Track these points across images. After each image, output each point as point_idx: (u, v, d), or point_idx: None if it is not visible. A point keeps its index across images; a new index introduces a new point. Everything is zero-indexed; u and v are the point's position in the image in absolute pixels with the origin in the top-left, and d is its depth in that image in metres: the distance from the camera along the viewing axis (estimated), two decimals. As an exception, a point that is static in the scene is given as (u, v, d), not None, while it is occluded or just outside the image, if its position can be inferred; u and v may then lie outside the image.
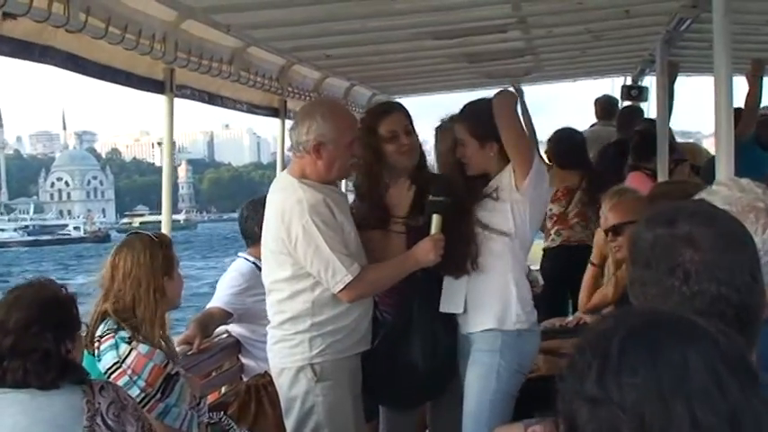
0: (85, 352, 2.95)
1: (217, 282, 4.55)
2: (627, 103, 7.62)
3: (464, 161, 3.42)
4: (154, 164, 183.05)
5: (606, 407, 0.99)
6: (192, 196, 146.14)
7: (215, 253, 49.59)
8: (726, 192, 1.83)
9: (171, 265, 3.23)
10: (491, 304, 3.33)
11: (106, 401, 2.47)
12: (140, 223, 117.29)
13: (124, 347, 3.05)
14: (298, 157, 3.33)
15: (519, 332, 3.32)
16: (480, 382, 3.33)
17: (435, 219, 3.33)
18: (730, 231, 1.44)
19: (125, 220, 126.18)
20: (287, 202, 3.26)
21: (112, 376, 3.00)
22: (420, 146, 3.64)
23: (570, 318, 4.61)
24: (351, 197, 3.66)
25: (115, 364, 3.03)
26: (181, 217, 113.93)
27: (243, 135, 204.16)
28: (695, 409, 0.97)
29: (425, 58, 6.15)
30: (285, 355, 3.35)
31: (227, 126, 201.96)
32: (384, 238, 3.48)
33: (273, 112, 5.87)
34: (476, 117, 3.40)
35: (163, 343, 3.18)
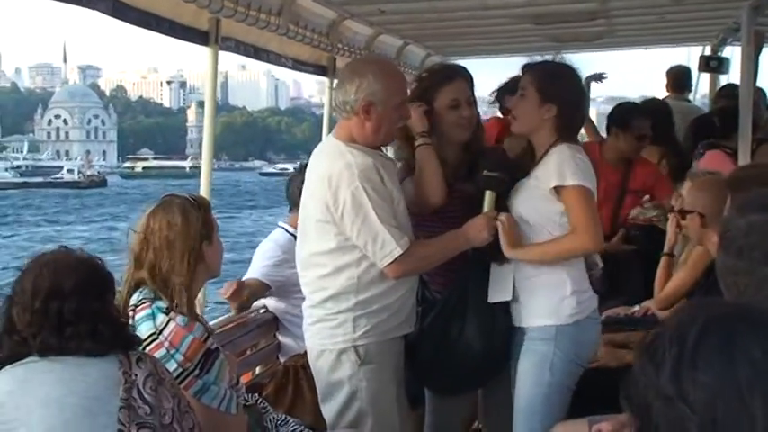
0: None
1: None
2: (704, 75, 7.68)
3: (514, 113, 3.49)
4: (162, 104, 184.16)
5: (678, 405, 1.02)
6: (201, 141, 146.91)
7: (227, 210, 49.18)
8: None
9: (211, 229, 3.25)
10: (544, 295, 3.40)
11: (143, 373, 2.50)
12: (143, 168, 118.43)
13: (162, 318, 3.06)
14: (344, 118, 3.38)
15: (577, 322, 3.38)
16: (534, 372, 3.39)
17: (489, 195, 3.41)
18: None
19: (127, 164, 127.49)
20: (335, 167, 3.30)
21: (148, 348, 3.00)
22: (478, 117, 3.71)
23: (637, 307, 4.76)
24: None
25: (152, 335, 3.04)
26: (186, 164, 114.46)
27: (260, 77, 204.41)
28: None
29: (487, 18, 6.22)
30: (326, 336, 3.40)
31: (243, 67, 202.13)
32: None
33: (321, 69, 6.02)
34: (549, 73, 3.49)
35: (200, 315, 3.28)
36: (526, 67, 3.53)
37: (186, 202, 3.21)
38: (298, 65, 5.71)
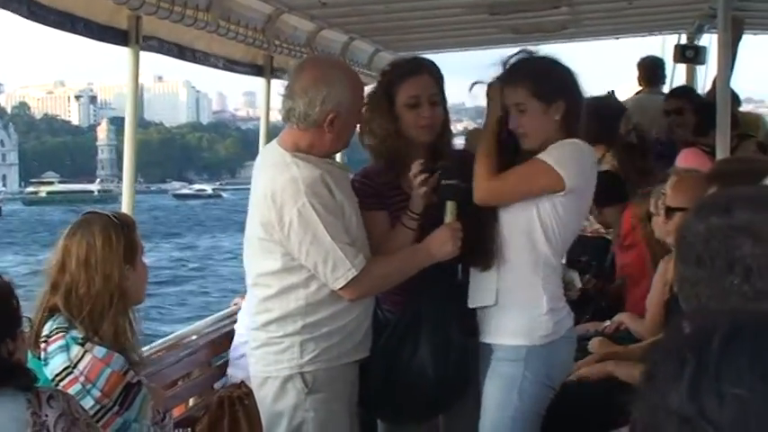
0: (29, 354, 2.96)
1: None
2: (680, 65, 7.90)
3: (520, 132, 3.51)
4: (69, 122, 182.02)
5: (699, 425, 0.98)
6: (113, 162, 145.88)
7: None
8: None
9: (135, 252, 3.31)
10: (518, 312, 3.48)
11: (55, 413, 2.51)
12: (48, 193, 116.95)
13: (77, 349, 3.10)
14: (300, 129, 3.42)
15: (551, 342, 3.47)
16: (500, 396, 3.47)
17: (449, 206, 3.49)
18: None
19: (30, 188, 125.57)
20: (278, 181, 3.36)
21: (62, 383, 3.05)
22: (446, 119, 3.77)
23: (608, 322, 4.93)
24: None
25: (66, 368, 3.09)
26: (94, 187, 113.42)
27: (179, 89, 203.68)
28: None
29: (439, 8, 6.39)
30: (270, 361, 3.46)
31: (160, 78, 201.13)
32: (388, 222, 3.65)
33: (257, 69, 6.11)
34: (536, 73, 3.52)
35: (125, 346, 3.28)
36: (507, 80, 3.53)
37: (108, 221, 3.25)
38: (230, 65, 5.78)
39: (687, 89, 7.39)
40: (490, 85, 3.60)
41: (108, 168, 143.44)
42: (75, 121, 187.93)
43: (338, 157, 3.89)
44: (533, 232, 3.46)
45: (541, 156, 3.41)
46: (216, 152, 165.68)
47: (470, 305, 3.55)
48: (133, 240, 3.29)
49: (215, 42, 5.42)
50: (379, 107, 3.64)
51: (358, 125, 3.60)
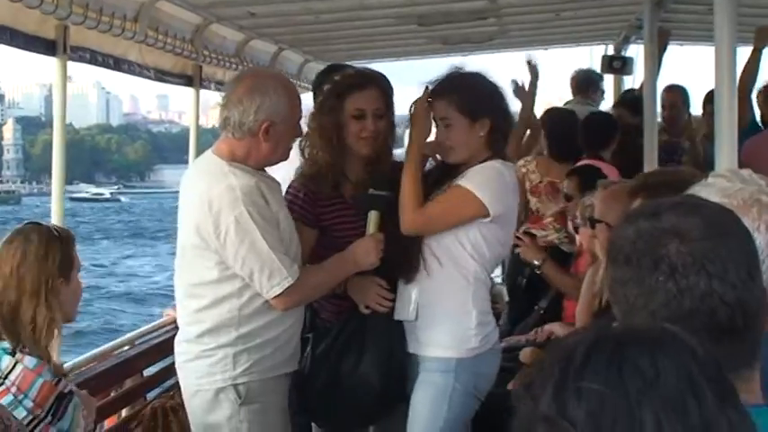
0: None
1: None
2: (608, 76, 8.26)
3: (447, 144, 3.68)
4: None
5: (559, 424, 1.09)
6: (20, 162, 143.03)
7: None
8: (724, 183, 1.99)
9: (70, 266, 3.39)
10: (447, 325, 3.67)
11: None
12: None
13: (7, 360, 3.16)
14: (236, 138, 3.53)
15: (478, 354, 3.68)
16: (430, 406, 3.65)
17: (374, 216, 3.68)
18: (721, 221, 1.59)
19: None
20: (214, 189, 3.46)
21: None
22: (391, 132, 3.94)
23: (537, 330, 5.22)
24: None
25: None
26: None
27: (89, 90, 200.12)
28: (663, 420, 1.07)
29: (367, 19, 6.63)
30: (203, 374, 3.56)
31: (69, 78, 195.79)
32: (314, 240, 3.83)
33: (187, 79, 6.33)
34: (464, 89, 3.66)
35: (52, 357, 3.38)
36: (435, 93, 3.69)
37: (47, 232, 3.36)
38: (161, 75, 5.97)
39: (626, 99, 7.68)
40: (415, 103, 3.75)
41: (14, 169, 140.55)
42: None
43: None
44: (460, 251, 3.66)
45: (463, 182, 3.61)
46: (125, 155, 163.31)
47: (395, 317, 3.74)
48: (69, 255, 3.37)
49: (145, 52, 5.61)
50: (327, 115, 3.81)
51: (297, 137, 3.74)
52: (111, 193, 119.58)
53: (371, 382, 3.71)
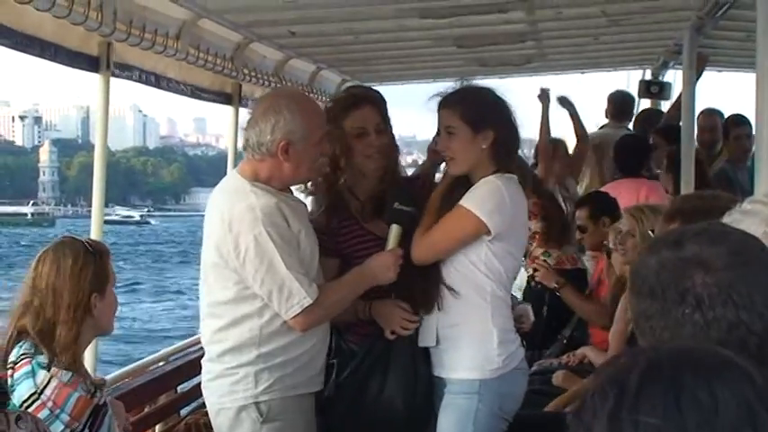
0: (-3, 378, 3.16)
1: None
2: (645, 101, 8.28)
3: (447, 155, 3.71)
4: (13, 142, 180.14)
5: None
6: (55, 184, 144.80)
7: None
8: (765, 210, 2.03)
9: (105, 280, 3.43)
10: (468, 347, 3.67)
11: None
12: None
13: (42, 375, 3.21)
14: (257, 159, 3.58)
15: (502, 375, 3.66)
16: (455, 428, 3.65)
17: (395, 230, 3.68)
18: (745, 249, 1.58)
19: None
20: (236, 209, 3.50)
21: (30, 410, 3.12)
22: (394, 146, 3.99)
23: (570, 354, 5.23)
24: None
25: (32, 395, 3.20)
26: (28, 210, 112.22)
27: (126, 113, 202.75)
28: None
29: (407, 40, 6.70)
30: (225, 392, 3.61)
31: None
32: (336, 270, 3.82)
33: (226, 98, 6.42)
34: (471, 100, 3.69)
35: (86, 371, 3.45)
36: (442, 104, 3.72)
37: (81, 246, 3.42)
38: (198, 92, 6.05)
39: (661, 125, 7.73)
40: None
41: (50, 191, 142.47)
42: (18, 141, 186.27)
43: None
44: (473, 271, 3.66)
45: (464, 202, 3.61)
46: (160, 177, 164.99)
47: (420, 344, 3.76)
48: (104, 269, 3.42)
49: (185, 70, 5.69)
50: (330, 139, 3.76)
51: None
52: (142, 216, 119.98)
53: (396, 405, 3.72)
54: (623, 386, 1.11)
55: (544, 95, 7.16)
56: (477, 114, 3.66)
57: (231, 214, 3.51)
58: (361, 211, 3.91)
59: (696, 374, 1.11)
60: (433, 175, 4.06)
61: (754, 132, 4.06)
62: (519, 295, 5.59)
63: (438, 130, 3.76)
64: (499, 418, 3.71)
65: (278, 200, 3.55)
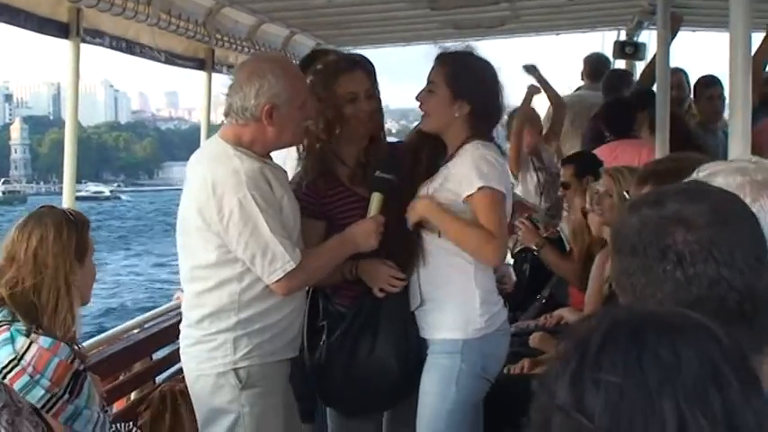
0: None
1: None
2: (620, 62, 8.29)
3: (422, 108, 3.72)
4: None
5: (574, 416, 1.08)
6: (27, 162, 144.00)
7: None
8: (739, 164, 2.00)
9: (85, 250, 3.42)
10: (451, 308, 3.68)
11: None
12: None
13: (22, 341, 3.16)
14: (240, 124, 3.55)
15: (485, 335, 3.66)
16: (437, 387, 3.65)
17: (377, 198, 3.67)
18: (727, 206, 1.59)
19: None
20: (219, 172, 3.47)
21: (9, 376, 3.10)
22: (381, 112, 3.95)
23: (546, 316, 5.25)
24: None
25: (12, 361, 3.14)
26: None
27: (97, 88, 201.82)
28: (685, 410, 1.06)
29: (380, 3, 6.71)
30: (203, 359, 3.58)
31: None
32: (323, 232, 3.80)
33: (199, 63, 6.38)
34: (461, 68, 3.66)
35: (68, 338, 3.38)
36: (438, 58, 3.71)
37: (63, 215, 3.40)
38: (172, 58, 6.02)
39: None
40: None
41: (21, 168, 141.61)
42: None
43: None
44: None
45: (482, 180, 3.57)
46: (132, 152, 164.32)
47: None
48: (84, 239, 3.39)
49: (157, 36, 5.66)
50: (319, 103, 3.76)
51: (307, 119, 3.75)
52: (112, 191, 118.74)
53: (389, 364, 3.72)
54: (585, 347, 1.11)
55: (531, 69, 7.17)
56: (461, 82, 3.66)
57: (215, 177, 3.49)
58: (350, 175, 3.89)
59: (659, 333, 1.11)
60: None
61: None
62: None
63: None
64: (481, 379, 3.71)
65: (261, 164, 3.54)
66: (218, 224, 3.46)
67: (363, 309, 3.79)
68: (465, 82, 3.67)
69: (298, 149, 3.91)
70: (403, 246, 3.74)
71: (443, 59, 3.72)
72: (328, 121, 3.82)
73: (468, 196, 3.59)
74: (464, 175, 3.60)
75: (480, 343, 3.67)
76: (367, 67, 3.93)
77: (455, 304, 3.69)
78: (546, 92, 7.26)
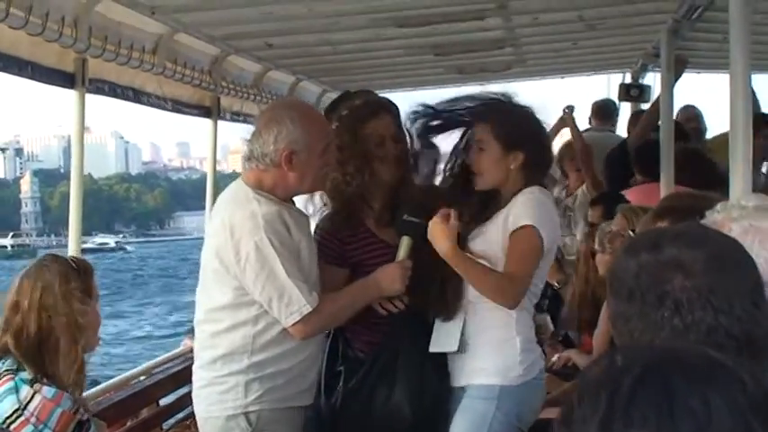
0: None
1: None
2: (625, 104, 8.33)
3: (474, 169, 3.71)
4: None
5: None
6: (38, 215, 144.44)
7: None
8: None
9: (90, 296, 3.48)
10: (491, 353, 3.65)
11: None
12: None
13: (26, 390, 3.24)
14: (260, 170, 3.60)
15: (523, 383, 3.64)
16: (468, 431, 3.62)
17: (406, 242, 3.69)
18: (724, 252, 1.60)
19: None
20: (237, 215, 3.53)
21: (12, 426, 3.18)
22: (408, 155, 3.93)
23: (555, 358, 5.22)
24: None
25: (16, 411, 3.22)
26: (7, 242, 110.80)
27: (107, 140, 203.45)
28: None
29: (385, 50, 6.74)
30: (214, 401, 3.61)
31: (87, 129, 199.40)
32: (345, 280, 3.80)
33: (205, 111, 6.43)
34: (507, 118, 3.68)
35: (74, 388, 3.43)
36: (477, 116, 3.72)
37: (66, 263, 3.46)
38: (178, 106, 6.07)
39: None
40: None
41: (32, 222, 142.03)
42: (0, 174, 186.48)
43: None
44: None
45: (524, 220, 3.56)
46: (143, 203, 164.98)
47: (431, 349, 3.73)
48: (89, 286, 3.46)
49: (164, 84, 5.72)
50: (347, 149, 3.80)
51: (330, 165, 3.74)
52: (117, 243, 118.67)
53: (404, 412, 3.71)
54: (614, 392, 1.08)
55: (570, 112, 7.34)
56: (510, 133, 3.66)
57: (233, 220, 3.54)
58: (376, 220, 3.90)
59: (689, 381, 1.09)
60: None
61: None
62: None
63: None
64: (515, 428, 3.67)
65: (280, 208, 3.58)
66: (236, 266, 3.50)
67: (381, 356, 3.79)
68: (514, 132, 3.67)
69: (322, 198, 3.92)
70: (438, 286, 3.71)
71: (485, 116, 3.70)
72: (356, 167, 3.82)
73: (512, 232, 3.58)
74: (517, 214, 3.59)
75: (518, 390, 3.64)
76: (392, 110, 3.96)
77: (495, 350, 3.67)
78: (573, 132, 7.31)
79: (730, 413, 1.06)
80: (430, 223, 3.59)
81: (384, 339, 3.80)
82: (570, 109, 7.48)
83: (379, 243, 3.88)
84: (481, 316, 3.68)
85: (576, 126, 7.35)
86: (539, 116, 3.79)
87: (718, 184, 5.28)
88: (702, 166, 6.03)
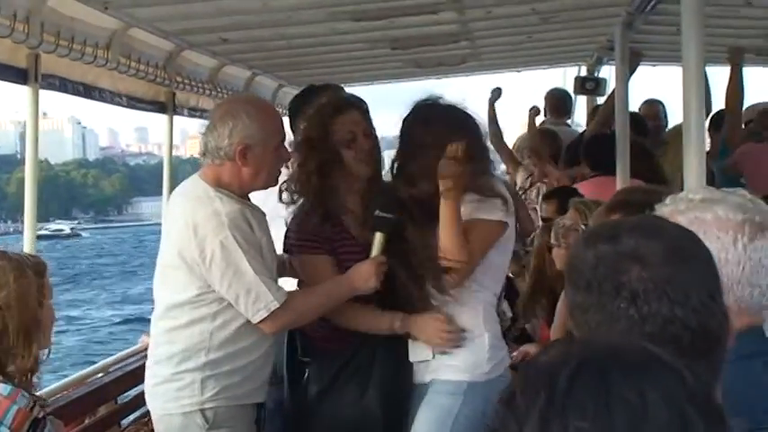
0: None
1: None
2: (581, 97, 8.41)
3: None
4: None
5: None
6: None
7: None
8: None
9: (43, 293, 3.40)
10: (459, 352, 3.63)
11: None
12: None
13: None
14: (216, 164, 3.59)
15: (490, 380, 3.60)
16: (434, 427, 3.58)
17: (379, 238, 3.63)
18: (682, 244, 1.60)
19: None
20: (199, 213, 3.51)
21: None
22: (379, 150, 3.90)
23: (514, 353, 5.26)
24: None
25: None
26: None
27: (64, 126, 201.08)
28: None
29: (341, 44, 6.74)
30: (170, 398, 3.60)
31: (44, 115, 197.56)
32: (331, 267, 3.75)
33: (160, 106, 6.40)
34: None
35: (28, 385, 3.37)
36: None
37: (19, 259, 3.39)
38: (133, 102, 6.04)
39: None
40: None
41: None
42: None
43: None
44: (481, 274, 3.65)
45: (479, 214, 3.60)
46: (101, 189, 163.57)
47: (411, 359, 3.71)
48: (43, 282, 3.42)
49: (117, 80, 5.69)
50: (317, 149, 3.76)
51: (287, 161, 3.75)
52: (72, 229, 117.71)
53: (375, 415, 3.68)
54: (552, 386, 1.10)
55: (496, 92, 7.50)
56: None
57: (195, 219, 3.52)
58: (351, 217, 3.85)
59: (625, 374, 1.11)
60: None
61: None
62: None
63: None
64: (480, 424, 3.56)
65: (242, 206, 3.58)
66: (201, 265, 3.49)
67: (357, 358, 3.75)
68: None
69: (280, 190, 3.88)
70: (414, 292, 3.67)
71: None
72: (322, 163, 3.78)
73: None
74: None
75: (484, 387, 3.60)
76: (361, 108, 3.92)
77: (463, 347, 3.66)
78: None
79: (666, 405, 1.07)
80: (439, 164, 3.51)
81: (362, 341, 3.76)
82: (535, 111, 7.64)
83: (353, 240, 3.84)
84: (450, 313, 3.65)
85: (534, 126, 7.47)
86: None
87: (661, 182, 5.39)
88: (649, 162, 6.13)
